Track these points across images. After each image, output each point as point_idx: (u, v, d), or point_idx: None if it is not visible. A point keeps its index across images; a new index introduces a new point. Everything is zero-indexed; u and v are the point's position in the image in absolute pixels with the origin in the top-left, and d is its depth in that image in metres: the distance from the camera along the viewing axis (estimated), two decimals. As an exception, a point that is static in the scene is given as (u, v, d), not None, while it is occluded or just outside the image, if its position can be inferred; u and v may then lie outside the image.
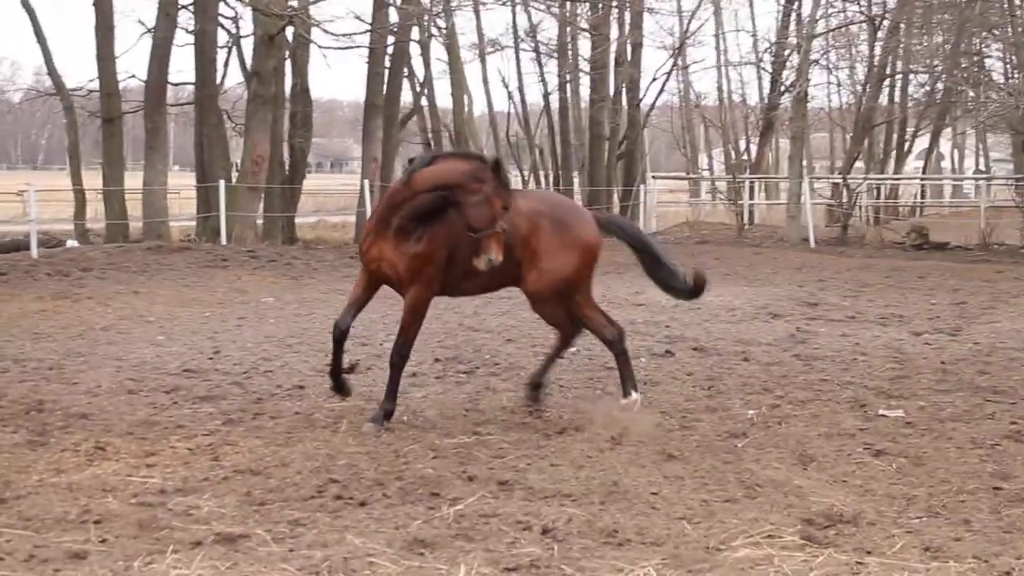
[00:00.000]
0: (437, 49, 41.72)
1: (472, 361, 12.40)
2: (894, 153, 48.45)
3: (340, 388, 9.70)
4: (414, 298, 9.28)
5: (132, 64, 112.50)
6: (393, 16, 33.54)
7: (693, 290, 10.11)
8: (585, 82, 41.99)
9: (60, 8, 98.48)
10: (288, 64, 34.28)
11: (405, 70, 38.14)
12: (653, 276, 10.20)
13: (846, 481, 7.79)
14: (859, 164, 43.06)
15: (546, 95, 43.81)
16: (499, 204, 8.76)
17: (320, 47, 33.43)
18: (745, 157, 46.83)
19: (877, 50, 37.50)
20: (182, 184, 42.36)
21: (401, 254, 9.07)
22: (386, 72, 34.52)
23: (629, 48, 40.62)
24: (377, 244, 9.18)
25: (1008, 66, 39.27)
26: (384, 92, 34.39)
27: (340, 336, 9.46)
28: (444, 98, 44.87)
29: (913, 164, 58.99)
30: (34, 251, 23.44)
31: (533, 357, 12.69)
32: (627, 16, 40.50)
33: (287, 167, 35.15)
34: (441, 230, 9.05)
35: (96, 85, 31.64)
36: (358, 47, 33.05)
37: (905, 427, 9.44)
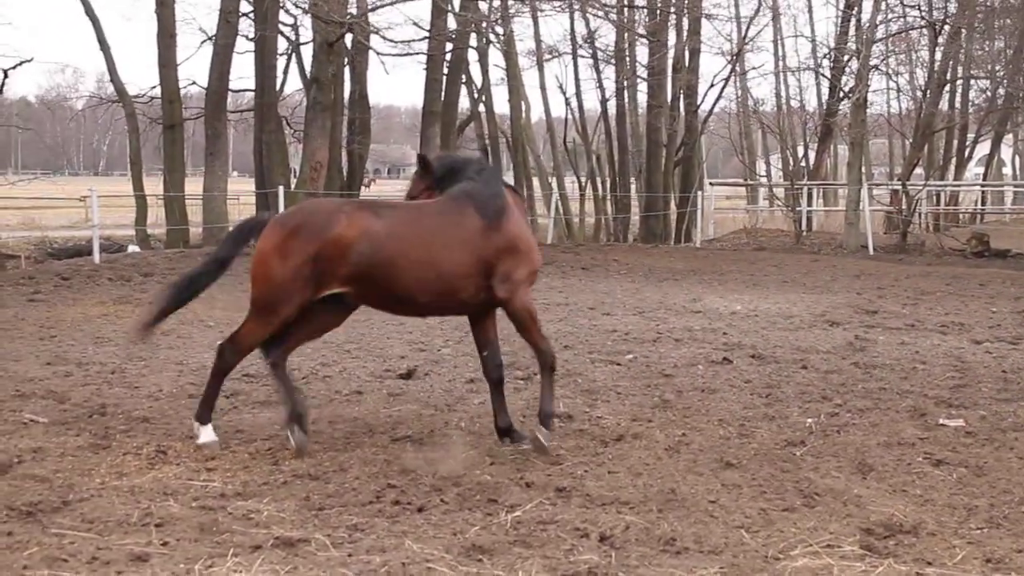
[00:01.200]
0: (495, 56, 42.01)
1: (529, 367, 12.38)
2: (954, 159, 48.00)
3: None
4: None
5: (193, 71, 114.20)
6: (451, 23, 33.66)
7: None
8: (643, 88, 42.00)
9: (130, 18, 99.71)
10: (347, 71, 34.49)
11: (463, 76, 38.28)
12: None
13: (906, 491, 7.74)
14: (919, 170, 42.72)
15: (603, 101, 43.88)
16: None
17: (379, 54, 33.83)
18: (803, 163, 46.55)
19: (937, 55, 37.20)
20: (242, 190, 42.71)
21: None
22: (444, 78, 34.64)
23: (687, 54, 40.60)
24: None
25: (1071, 71, 38.82)
26: (442, 98, 34.51)
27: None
28: (502, 104, 45.09)
29: (973, 170, 58.48)
30: (96, 256, 23.71)
31: (590, 364, 12.71)
32: (685, 22, 40.51)
33: (345, 173, 35.32)
34: None
35: (158, 92, 31.95)
36: (416, 54, 33.25)
37: (966, 436, 9.36)
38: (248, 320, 8.75)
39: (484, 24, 36.41)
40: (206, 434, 8.61)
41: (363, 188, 68.71)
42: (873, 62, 36.67)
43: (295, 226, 8.53)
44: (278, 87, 34.71)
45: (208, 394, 8.74)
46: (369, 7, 32.21)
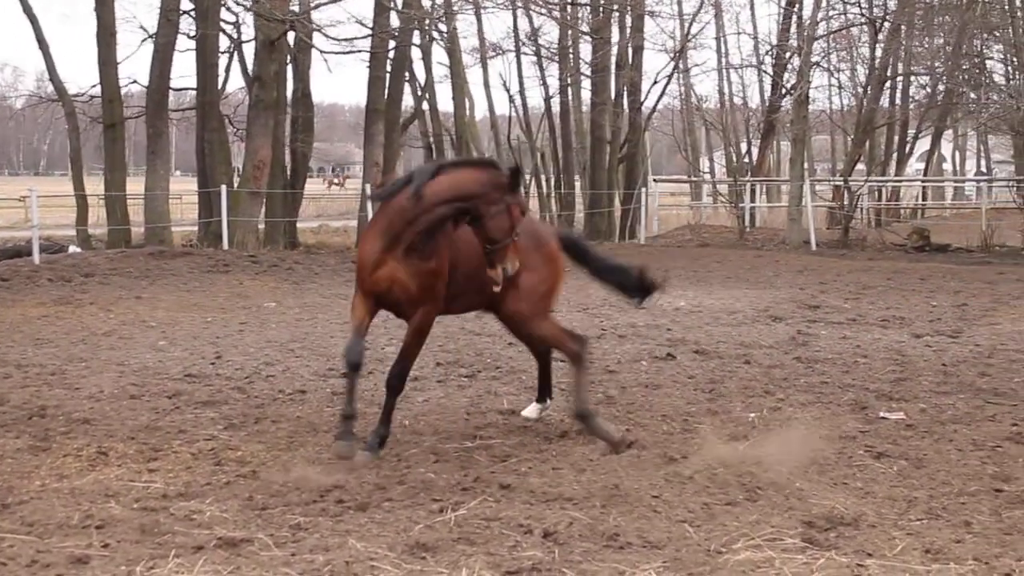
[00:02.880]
0: (438, 53, 41.79)
1: (473, 365, 12.42)
2: (895, 155, 48.40)
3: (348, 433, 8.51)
4: (423, 318, 8.62)
5: (134, 70, 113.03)
6: (394, 20, 33.56)
7: (644, 288, 9.86)
8: (586, 85, 42.03)
9: (69, 15, 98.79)
10: (289, 69, 34.31)
11: (406, 74, 38.11)
12: (605, 281, 10.09)
13: (847, 483, 7.80)
14: (860, 166, 43.03)
15: (547, 98, 43.86)
16: (517, 213, 8.34)
17: (321, 52, 33.45)
18: (746, 160, 46.81)
19: (878, 52, 37.51)
20: (184, 189, 42.42)
21: (413, 273, 8.36)
22: (387, 76, 34.51)
23: (630, 51, 40.64)
24: (387, 265, 8.34)
25: (1009, 67, 39.34)
26: (386, 96, 34.39)
27: (356, 367, 8.53)
28: (445, 102, 44.98)
29: (914, 166, 58.97)
30: (36, 257, 23.45)
31: (534, 361, 12.70)
32: (628, 19, 40.52)
33: (288, 172, 35.16)
34: (445, 245, 8.48)
35: (98, 91, 31.63)
36: (359, 51, 33.09)
37: (906, 429, 9.44)
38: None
39: (427, 21, 36.29)
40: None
41: (333, 187, 68.55)
42: (815, 59, 36.95)
43: None
44: (220, 85, 34.42)
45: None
46: (312, 5, 32.08)
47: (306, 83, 35.36)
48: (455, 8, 37.83)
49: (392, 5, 32.70)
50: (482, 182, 8.27)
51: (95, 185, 35.36)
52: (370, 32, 32.31)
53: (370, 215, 9.39)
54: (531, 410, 9.91)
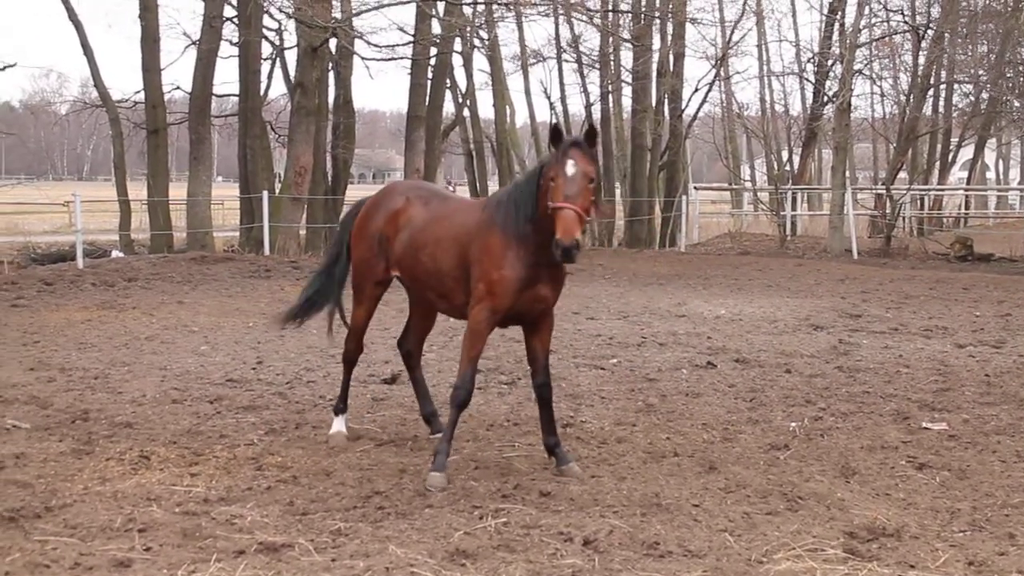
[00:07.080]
0: (479, 60, 42.00)
1: (513, 372, 12.40)
2: (938, 163, 48.03)
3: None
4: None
5: (177, 76, 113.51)
6: (436, 28, 33.64)
7: None
8: (627, 93, 42.00)
9: (111, 24, 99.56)
10: (331, 75, 34.44)
11: (447, 81, 38.25)
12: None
13: (889, 494, 7.76)
14: (902, 174, 42.79)
15: (588, 106, 43.86)
16: None
17: (363, 59, 33.70)
18: (788, 168, 46.61)
19: (921, 60, 37.30)
20: (226, 195, 42.62)
21: (557, 286, 9.00)
22: (428, 83, 34.60)
23: (671, 59, 40.56)
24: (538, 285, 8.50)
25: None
26: (427, 103, 34.48)
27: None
28: (486, 109, 45.13)
29: (957, 175, 58.62)
30: (80, 261, 23.63)
31: (575, 368, 12.71)
32: (669, 27, 40.45)
33: (330, 178, 35.28)
34: None
35: (141, 97, 31.80)
36: (401, 58, 33.21)
37: (949, 440, 9.39)
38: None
39: (468, 29, 36.40)
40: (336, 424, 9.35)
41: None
42: (857, 66, 36.77)
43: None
44: (262, 92, 34.61)
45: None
46: (354, 12, 32.19)
47: (347, 89, 35.49)
48: (496, 16, 37.92)
49: (434, 12, 32.76)
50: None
51: (138, 190, 35.57)
52: (412, 39, 32.40)
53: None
54: None
